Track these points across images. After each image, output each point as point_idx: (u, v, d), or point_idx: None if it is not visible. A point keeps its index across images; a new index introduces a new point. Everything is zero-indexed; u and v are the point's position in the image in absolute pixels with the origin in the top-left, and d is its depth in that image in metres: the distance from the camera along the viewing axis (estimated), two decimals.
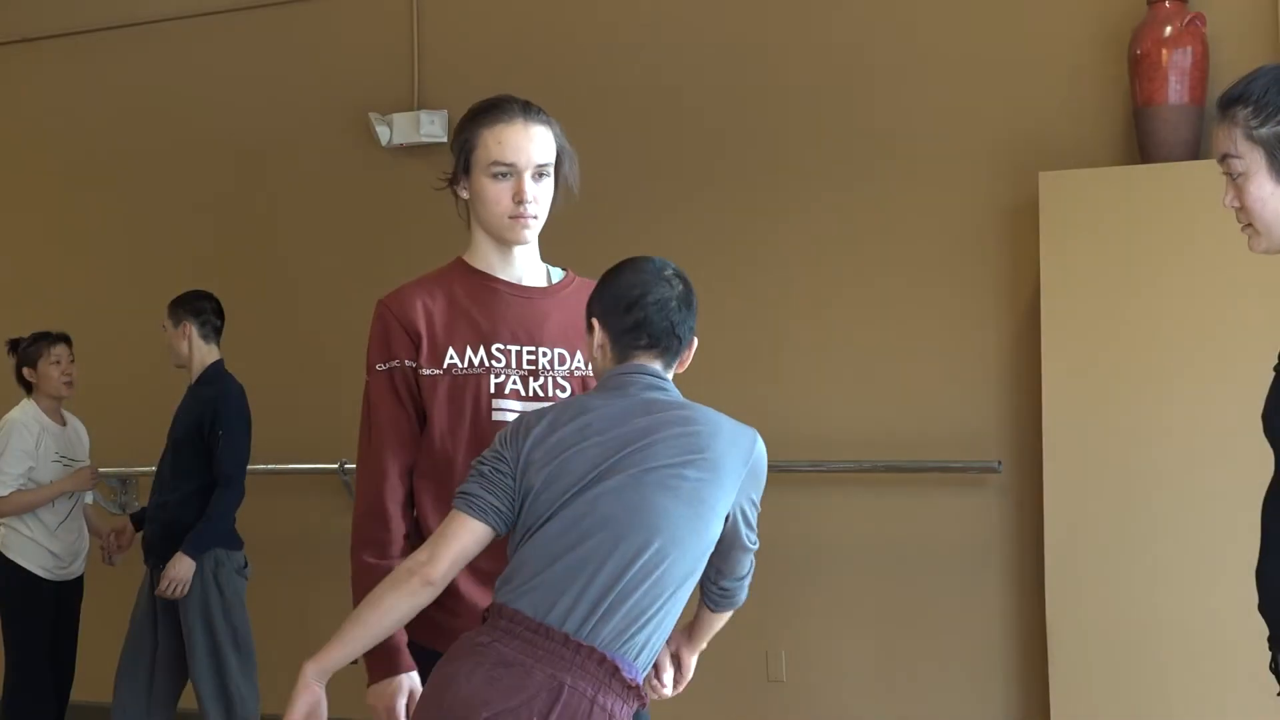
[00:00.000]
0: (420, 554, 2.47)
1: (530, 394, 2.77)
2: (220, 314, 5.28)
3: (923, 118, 5.35)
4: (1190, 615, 4.60)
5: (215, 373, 5.21)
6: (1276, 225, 2.33)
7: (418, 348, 2.75)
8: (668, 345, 2.63)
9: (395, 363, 2.76)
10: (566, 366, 2.80)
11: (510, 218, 2.76)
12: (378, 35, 6.28)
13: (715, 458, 2.53)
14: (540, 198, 2.78)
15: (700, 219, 5.68)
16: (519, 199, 2.74)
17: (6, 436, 5.49)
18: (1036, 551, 4.96)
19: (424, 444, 2.77)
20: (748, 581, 2.82)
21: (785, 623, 5.51)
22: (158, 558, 5.11)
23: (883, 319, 5.40)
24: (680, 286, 2.64)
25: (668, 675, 2.85)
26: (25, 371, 5.62)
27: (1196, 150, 4.76)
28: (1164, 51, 4.78)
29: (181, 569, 5.01)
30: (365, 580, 2.68)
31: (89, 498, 5.92)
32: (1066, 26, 5.16)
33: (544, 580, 2.39)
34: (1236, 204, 2.36)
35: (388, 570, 2.58)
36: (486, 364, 2.75)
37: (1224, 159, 2.35)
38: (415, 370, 2.75)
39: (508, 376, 2.76)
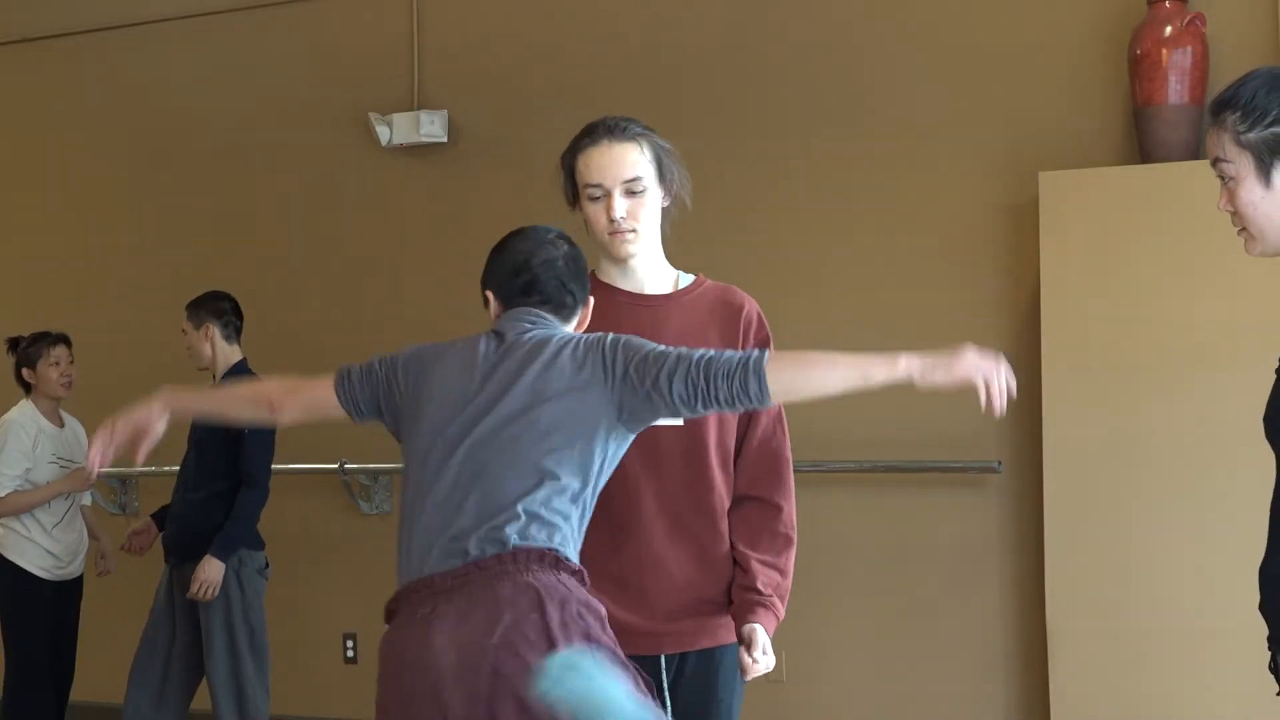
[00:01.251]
0: (280, 389, 2.87)
1: None
2: (239, 313, 5.27)
3: (923, 118, 5.35)
4: (1190, 615, 4.60)
5: (240, 372, 5.17)
6: (1270, 229, 2.34)
7: None
8: (560, 302, 2.72)
9: None
10: None
11: (610, 235, 2.90)
12: (378, 35, 6.28)
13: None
14: (636, 212, 2.90)
15: (700, 218, 5.65)
16: (610, 216, 2.88)
17: (3, 437, 5.49)
18: (1036, 551, 4.96)
19: None
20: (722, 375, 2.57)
21: (785, 623, 5.45)
22: (179, 557, 5.11)
23: (883, 318, 5.40)
24: (566, 247, 2.73)
25: (755, 651, 2.92)
26: (24, 372, 5.61)
27: (1196, 150, 4.76)
28: (1164, 51, 4.78)
29: (212, 571, 5.01)
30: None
31: (87, 498, 5.91)
32: (1066, 26, 5.16)
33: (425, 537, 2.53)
34: (1230, 208, 2.37)
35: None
36: None
37: (1215, 163, 2.35)
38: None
39: None
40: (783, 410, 3.00)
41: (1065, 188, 4.86)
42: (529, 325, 2.67)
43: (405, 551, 2.56)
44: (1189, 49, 4.78)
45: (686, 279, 3.06)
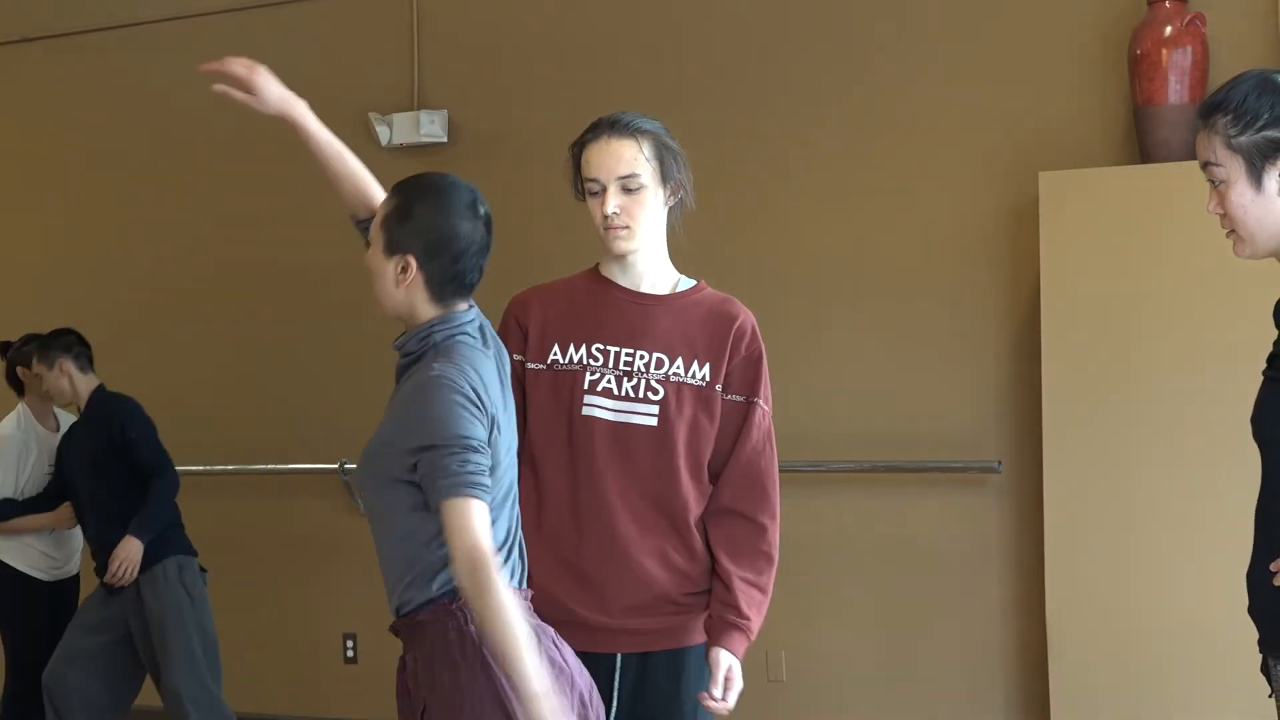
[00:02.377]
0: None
1: (623, 394, 2.88)
2: (85, 343, 5.40)
3: (923, 118, 5.35)
4: (1190, 615, 4.60)
5: (102, 395, 5.31)
6: (1260, 232, 2.34)
7: (526, 342, 2.93)
8: (470, 293, 2.68)
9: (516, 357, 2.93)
10: (664, 370, 2.90)
11: (605, 230, 2.90)
12: (378, 35, 6.28)
13: None
14: (631, 209, 2.89)
15: (699, 218, 5.66)
16: (605, 211, 2.88)
17: None
18: (1036, 551, 4.96)
19: (524, 432, 2.90)
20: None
21: (785, 623, 5.49)
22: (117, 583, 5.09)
23: (883, 319, 5.40)
24: (484, 230, 2.66)
25: (716, 689, 2.90)
26: (19, 371, 5.62)
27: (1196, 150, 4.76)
28: (1164, 51, 4.78)
29: (131, 549, 5.00)
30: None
31: None
32: (1066, 26, 5.16)
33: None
34: (1219, 210, 2.37)
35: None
36: (585, 361, 2.89)
37: (1205, 167, 2.35)
38: (522, 364, 2.91)
39: (602, 375, 2.88)
40: (772, 427, 2.98)
41: (1065, 188, 4.86)
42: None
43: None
44: (1189, 49, 4.78)
45: (688, 283, 3.06)
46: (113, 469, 5.18)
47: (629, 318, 2.92)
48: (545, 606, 2.72)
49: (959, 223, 5.28)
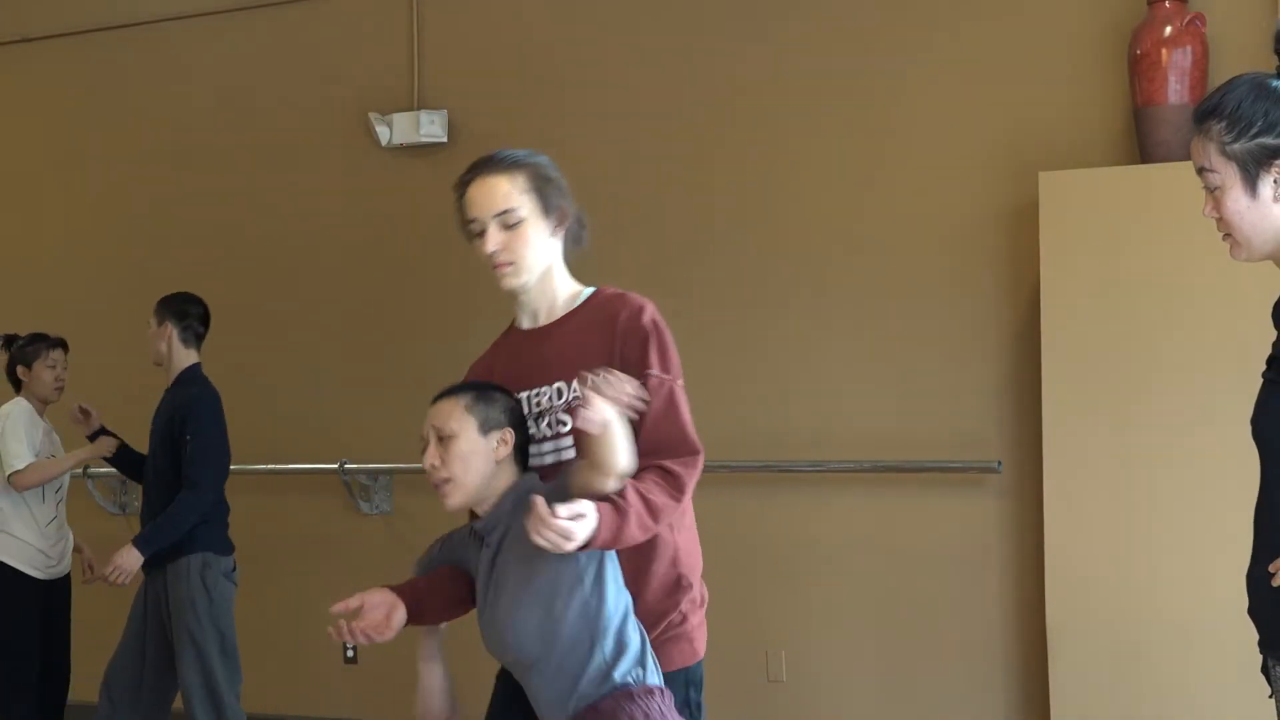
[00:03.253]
0: None
1: (540, 435, 2.84)
2: (205, 321, 5.26)
3: (923, 118, 5.35)
4: (1190, 616, 4.60)
5: (190, 376, 5.18)
6: (1255, 236, 2.33)
7: None
8: None
9: None
10: (564, 399, 2.83)
11: (492, 268, 2.86)
12: (378, 35, 6.28)
13: None
14: (511, 244, 2.84)
15: (699, 217, 5.68)
16: (486, 250, 2.85)
17: (3, 420, 5.48)
18: (1036, 551, 4.96)
19: None
20: None
21: (785, 623, 5.51)
22: (149, 564, 5.05)
23: (882, 319, 5.40)
24: None
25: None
26: (19, 370, 5.61)
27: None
28: (1164, 51, 4.78)
29: (128, 559, 4.97)
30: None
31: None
32: (1066, 26, 5.16)
33: None
34: (1215, 214, 2.37)
35: None
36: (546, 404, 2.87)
37: (1200, 172, 2.35)
38: None
39: (533, 424, 2.85)
40: (677, 392, 2.82)
41: (1065, 188, 4.86)
42: None
43: None
44: (1189, 49, 4.77)
45: (586, 294, 2.95)
46: (162, 458, 5.12)
47: (526, 359, 2.88)
48: None
49: (959, 223, 5.28)
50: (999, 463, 5.15)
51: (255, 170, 6.50)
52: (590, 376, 2.50)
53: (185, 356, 5.21)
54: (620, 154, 5.78)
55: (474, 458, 2.70)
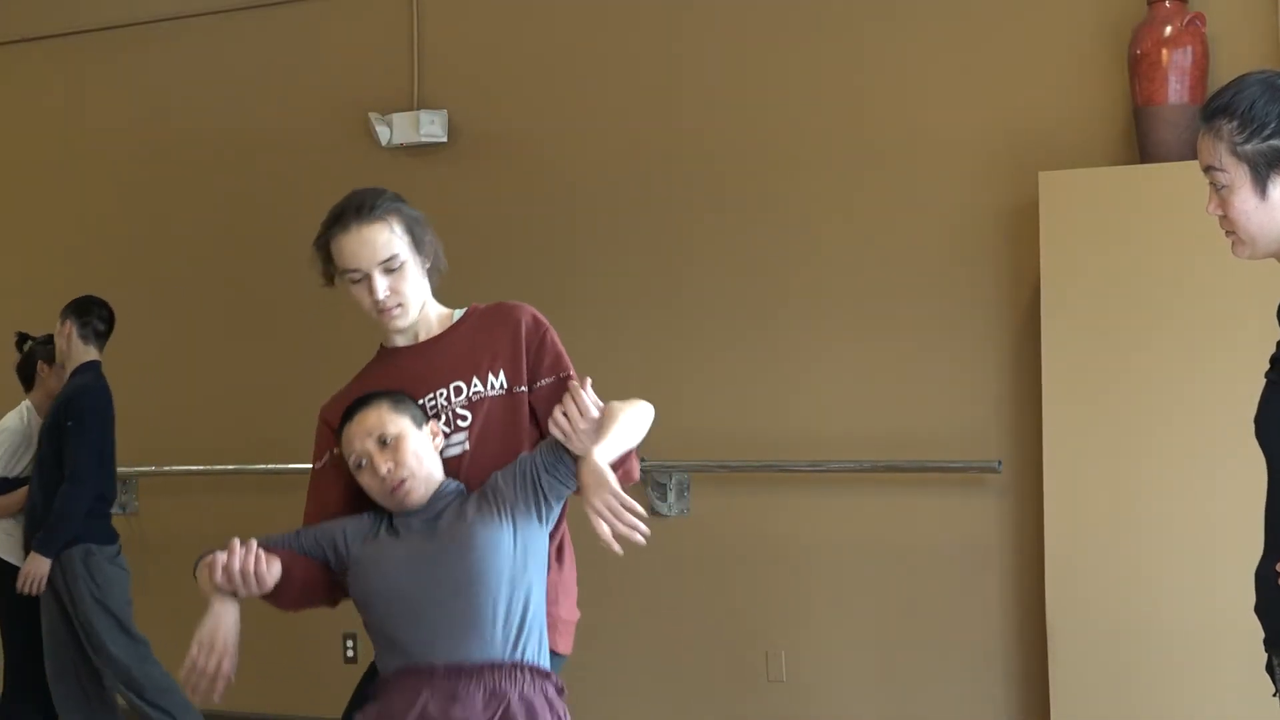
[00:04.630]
0: None
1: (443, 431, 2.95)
2: (106, 320, 5.39)
3: (923, 118, 5.35)
4: (1190, 615, 4.60)
5: (83, 369, 5.31)
6: (1261, 237, 2.33)
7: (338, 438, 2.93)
8: None
9: (326, 458, 3.01)
10: (464, 395, 2.96)
11: (378, 314, 2.95)
12: (378, 35, 6.28)
13: None
14: (398, 287, 2.94)
15: (699, 216, 5.68)
16: (374, 298, 2.92)
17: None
18: (1036, 551, 4.96)
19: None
20: None
21: (785, 623, 5.51)
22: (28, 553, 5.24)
23: (882, 319, 5.39)
24: None
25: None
26: (40, 366, 5.64)
27: (1196, 150, 4.75)
28: (1164, 51, 4.78)
29: (36, 566, 5.15)
30: None
31: None
32: (1066, 26, 5.16)
33: None
34: (1219, 213, 2.36)
35: None
36: None
37: (1208, 170, 2.34)
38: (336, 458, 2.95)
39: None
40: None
41: (1065, 188, 4.86)
42: None
43: None
44: (1189, 49, 4.77)
45: (460, 312, 3.10)
46: (46, 447, 5.25)
47: (413, 369, 2.98)
48: None
49: (959, 223, 5.28)
50: (999, 463, 5.15)
51: (255, 170, 6.50)
52: (574, 382, 2.82)
53: (83, 353, 5.33)
54: (619, 154, 5.78)
55: (423, 450, 2.81)
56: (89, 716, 5.33)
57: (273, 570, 2.75)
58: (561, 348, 3.02)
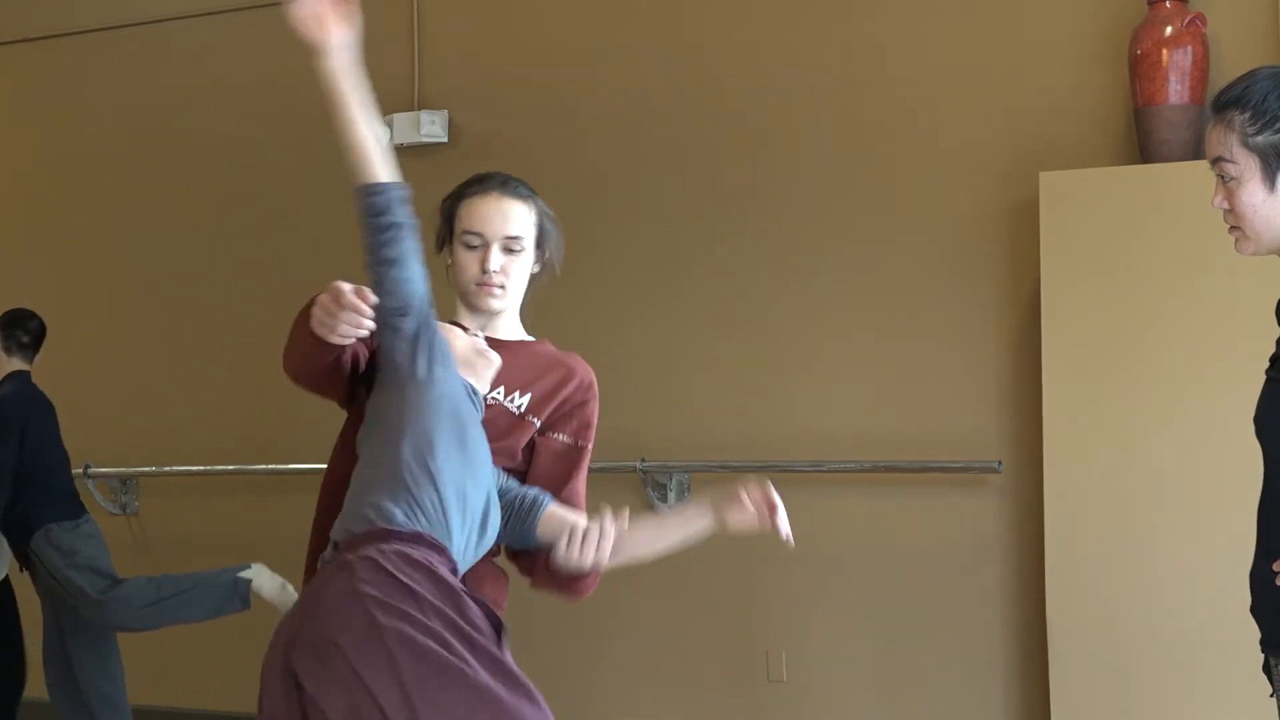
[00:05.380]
0: None
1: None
2: (32, 333, 5.53)
3: (923, 117, 5.35)
4: (1190, 615, 4.60)
5: (7, 379, 5.48)
6: (1266, 232, 2.33)
7: None
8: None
9: None
10: (482, 395, 2.85)
11: (477, 284, 2.91)
12: (378, 35, 6.25)
13: None
14: (509, 269, 2.91)
15: (699, 216, 5.67)
16: (484, 267, 2.89)
17: None
18: (1036, 551, 4.95)
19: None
20: None
21: (785, 623, 5.50)
22: (22, 561, 5.43)
23: (882, 319, 5.39)
24: None
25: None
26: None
27: (1196, 150, 4.76)
28: (1164, 51, 4.78)
29: None
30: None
31: None
32: (1066, 26, 5.16)
33: None
34: (1225, 206, 2.36)
35: None
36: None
37: (1216, 162, 2.34)
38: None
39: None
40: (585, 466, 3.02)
41: (1065, 188, 4.85)
42: None
43: None
44: (1189, 49, 4.77)
45: (530, 338, 3.04)
46: None
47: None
48: None
49: (959, 223, 5.28)
50: (999, 463, 5.15)
51: (255, 170, 6.50)
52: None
53: (7, 364, 5.51)
54: (619, 154, 5.78)
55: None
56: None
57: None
58: (595, 421, 2.98)
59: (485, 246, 2.90)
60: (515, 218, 2.91)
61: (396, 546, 2.48)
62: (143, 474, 6.55)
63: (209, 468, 6.40)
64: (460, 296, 2.97)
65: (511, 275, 2.91)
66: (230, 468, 6.38)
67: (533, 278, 2.98)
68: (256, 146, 6.51)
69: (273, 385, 6.37)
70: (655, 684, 5.72)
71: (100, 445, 6.04)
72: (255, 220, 6.51)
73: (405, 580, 2.42)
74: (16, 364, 5.52)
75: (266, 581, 5.31)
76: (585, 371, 3.01)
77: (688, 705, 5.68)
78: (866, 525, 5.40)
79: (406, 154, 6.15)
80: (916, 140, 5.35)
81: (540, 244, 2.96)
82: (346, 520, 2.58)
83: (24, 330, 5.52)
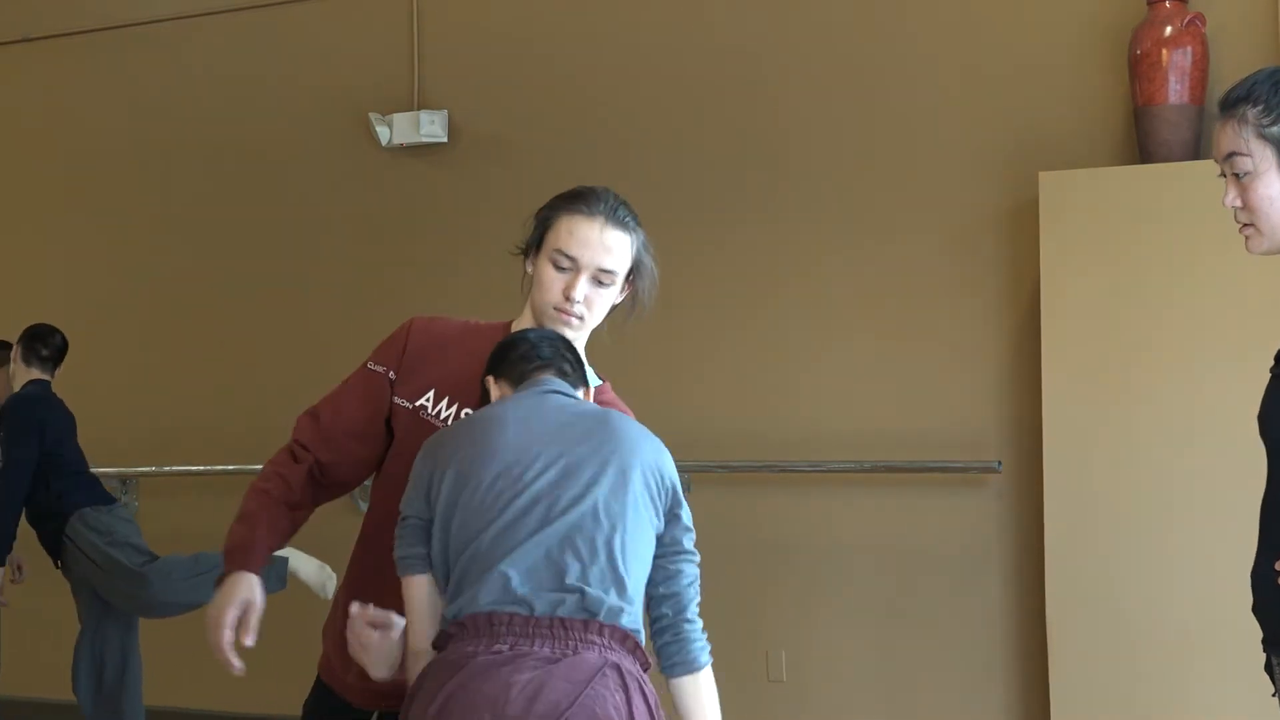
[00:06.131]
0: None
1: None
2: (51, 347, 5.63)
3: (923, 117, 5.35)
4: (1190, 615, 4.60)
5: (26, 384, 5.59)
6: None
7: (398, 368, 2.75)
8: (560, 367, 2.56)
9: (381, 369, 2.79)
10: None
11: (555, 309, 2.68)
12: (378, 35, 6.28)
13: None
14: (594, 302, 2.70)
15: (699, 217, 5.67)
16: (568, 294, 2.67)
17: None
18: (1036, 551, 4.95)
19: (381, 471, 2.82)
20: None
21: (785, 623, 5.51)
22: (53, 554, 5.51)
23: (882, 319, 5.39)
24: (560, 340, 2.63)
25: None
26: None
27: (1196, 150, 4.76)
28: (1164, 51, 4.78)
29: None
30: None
31: None
32: (1066, 26, 5.16)
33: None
34: (1239, 203, 2.35)
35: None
36: (449, 422, 2.70)
37: (1229, 158, 2.33)
38: (391, 385, 2.76)
39: None
40: None
41: (1065, 188, 4.86)
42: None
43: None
44: (1189, 49, 4.77)
45: (595, 380, 2.80)
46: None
47: None
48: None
49: (959, 223, 5.28)
50: (999, 463, 5.15)
51: (255, 170, 6.50)
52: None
53: (25, 374, 5.62)
54: (619, 154, 5.78)
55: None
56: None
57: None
58: None
59: (575, 272, 2.66)
60: (615, 250, 2.69)
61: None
62: (142, 474, 6.55)
63: (209, 468, 6.39)
64: (533, 307, 2.74)
65: (594, 308, 2.70)
66: (230, 468, 6.37)
67: (613, 307, 2.78)
68: (257, 146, 6.51)
69: (273, 385, 6.40)
70: (654, 683, 5.71)
71: (100, 445, 6.03)
72: (257, 220, 6.51)
73: None
74: (36, 374, 5.63)
75: (304, 563, 5.42)
76: (626, 413, 2.79)
77: None
78: (866, 525, 5.40)
79: (406, 154, 6.17)
80: (916, 140, 5.35)
81: (630, 276, 2.75)
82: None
83: (44, 345, 5.64)
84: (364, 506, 6.20)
